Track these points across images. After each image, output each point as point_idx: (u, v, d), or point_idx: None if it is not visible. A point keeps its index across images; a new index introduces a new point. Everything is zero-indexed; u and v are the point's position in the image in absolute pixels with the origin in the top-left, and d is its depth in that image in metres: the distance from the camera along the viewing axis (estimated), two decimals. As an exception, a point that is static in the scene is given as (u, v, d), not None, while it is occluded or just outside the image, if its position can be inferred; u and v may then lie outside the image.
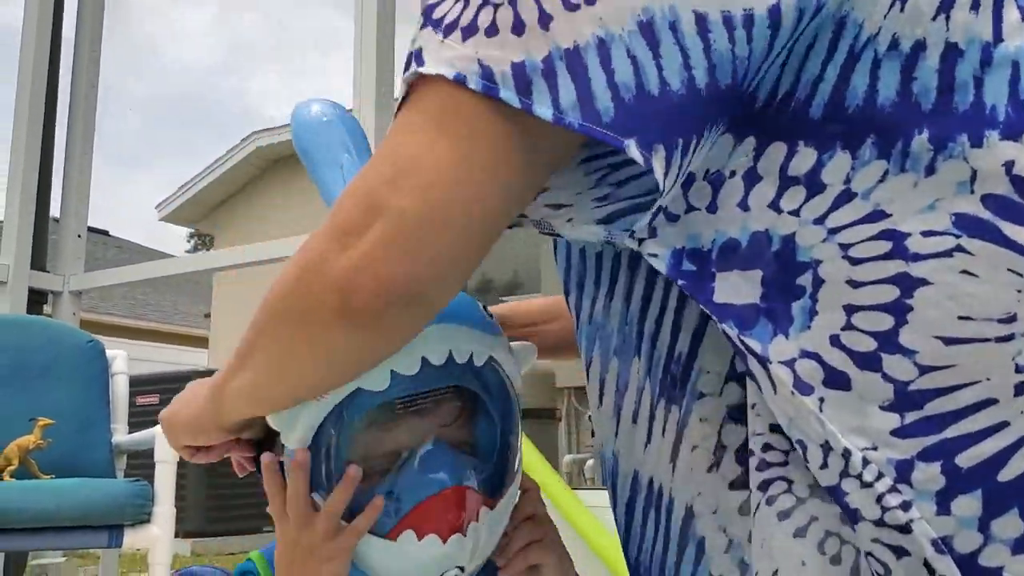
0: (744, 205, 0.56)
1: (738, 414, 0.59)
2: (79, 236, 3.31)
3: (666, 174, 0.53)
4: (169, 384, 6.37)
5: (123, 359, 2.71)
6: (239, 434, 0.80)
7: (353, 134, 0.86)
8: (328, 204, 0.81)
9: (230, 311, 8.38)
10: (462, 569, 0.76)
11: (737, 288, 0.56)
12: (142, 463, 2.60)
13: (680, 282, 0.57)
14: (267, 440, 0.82)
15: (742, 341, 0.55)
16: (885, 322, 0.54)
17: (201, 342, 12.09)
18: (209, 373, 4.73)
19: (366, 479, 0.75)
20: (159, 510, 2.15)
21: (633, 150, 0.51)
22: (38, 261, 3.21)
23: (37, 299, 3.20)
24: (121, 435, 2.58)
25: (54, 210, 3.40)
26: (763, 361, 0.55)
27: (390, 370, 0.71)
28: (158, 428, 2.27)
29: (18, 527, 2.03)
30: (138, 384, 4.34)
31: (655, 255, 0.57)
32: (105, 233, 16.50)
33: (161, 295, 15.47)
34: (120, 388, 2.65)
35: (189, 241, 25.11)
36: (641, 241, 0.57)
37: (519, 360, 0.82)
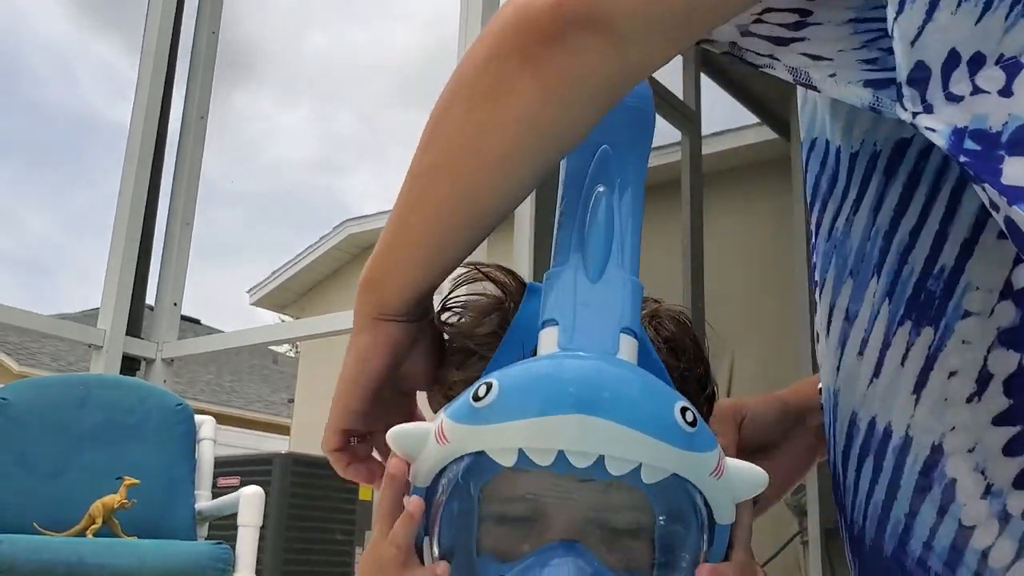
0: None
1: (1010, 338, 0.51)
2: (174, 304, 3.34)
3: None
4: (251, 466, 6.35)
5: (211, 424, 2.69)
6: (404, 328, 0.70)
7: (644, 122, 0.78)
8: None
9: (314, 397, 8.41)
10: None
11: None
12: (223, 534, 2.55)
13: (962, 159, 0.50)
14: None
15: None
16: None
17: (283, 430, 12.16)
18: (288, 457, 4.72)
19: (506, 538, 0.65)
20: (240, 575, 2.07)
21: None
22: (133, 329, 3.25)
23: (131, 366, 3.23)
24: (204, 501, 2.53)
25: (149, 298, 3.46)
26: None
27: (519, 449, 0.60)
28: (242, 491, 2.22)
29: (97, 586, 1.98)
30: (220, 466, 4.33)
31: (932, 129, 0.51)
32: (197, 322, 16.93)
33: (246, 384, 15.71)
34: (206, 453, 2.62)
35: (276, 333, 25.54)
36: (915, 115, 0.51)
37: (736, 488, 0.63)
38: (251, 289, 8.83)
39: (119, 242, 3.22)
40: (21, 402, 2.46)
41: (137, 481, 2.29)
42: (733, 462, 0.62)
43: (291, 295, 8.62)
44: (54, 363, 12.53)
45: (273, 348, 22.95)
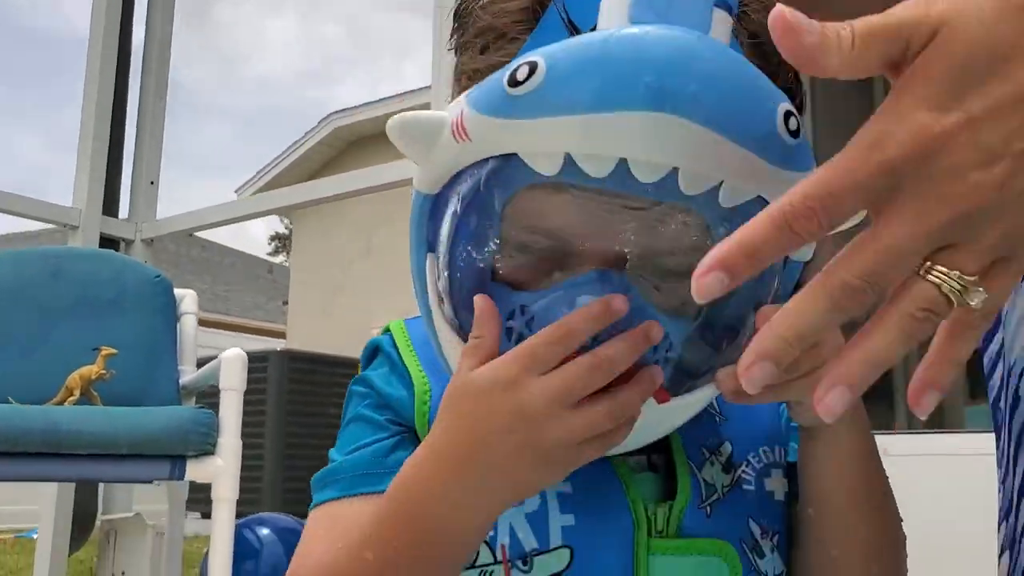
0: None
1: None
2: (151, 183, 3.20)
3: None
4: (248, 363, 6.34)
5: (192, 298, 2.58)
6: None
7: None
8: None
9: (305, 302, 8.36)
10: None
11: None
12: (208, 403, 2.47)
13: None
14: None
15: None
16: None
17: (279, 335, 12.17)
18: (284, 354, 4.68)
19: (524, 272, 0.54)
20: (224, 441, 1.98)
21: None
22: (110, 208, 3.12)
23: (110, 247, 3.10)
24: (189, 376, 2.43)
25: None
26: None
27: (565, 153, 0.47)
28: (223, 354, 2.12)
29: (72, 452, 1.88)
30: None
31: None
32: (188, 233, 16.83)
33: (242, 293, 15.67)
34: (188, 327, 2.52)
35: (270, 244, 25.50)
36: None
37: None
38: (238, 189, 8.67)
39: (89, 115, 3.06)
40: (-11, 276, 2.35)
41: (115, 351, 2.19)
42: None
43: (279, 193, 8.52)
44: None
45: (268, 259, 22.92)
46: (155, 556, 2.90)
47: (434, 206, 0.55)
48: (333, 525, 0.61)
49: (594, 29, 0.50)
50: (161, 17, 3.34)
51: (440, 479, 0.52)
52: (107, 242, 3.10)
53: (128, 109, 3.28)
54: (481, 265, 0.54)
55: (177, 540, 2.55)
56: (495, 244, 0.54)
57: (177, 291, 2.54)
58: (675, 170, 0.46)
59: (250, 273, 17.07)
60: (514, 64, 0.48)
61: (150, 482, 2.04)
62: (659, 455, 0.62)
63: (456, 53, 0.61)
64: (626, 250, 0.52)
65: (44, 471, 1.96)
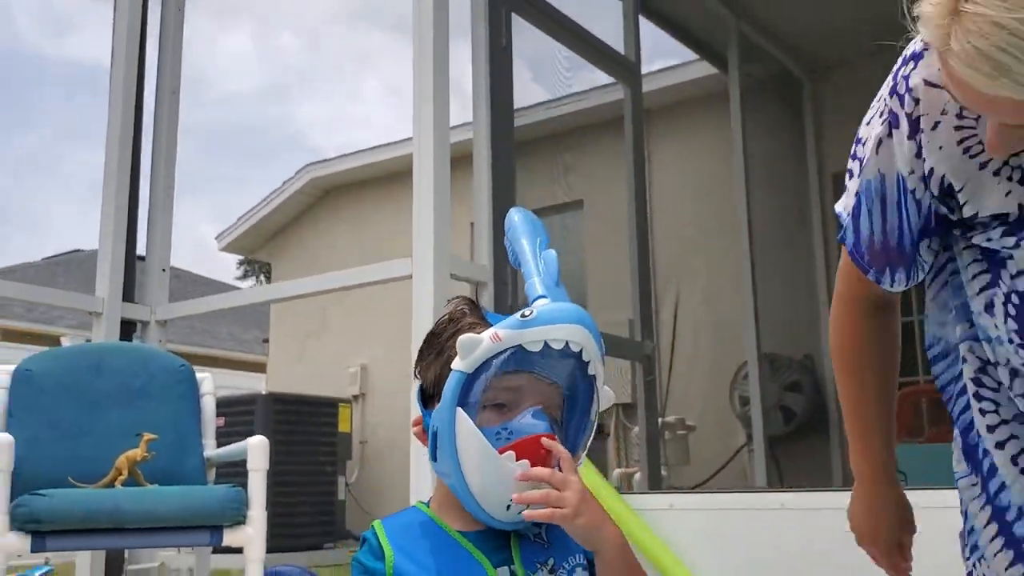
0: None
1: None
2: (163, 270, 3.64)
3: None
4: (236, 407, 6.73)
5: (210, 381, 3.02)
6: None
7: (539, 228, 1.31)
8: (518, 266, 1.27)
9: (286, 337, 8.73)
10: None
11: None
12: (227, 473, 2.90)
13: None
14: None
15: None
16: None
17: (257, 367, 12.50)
18: (269, 397, 5.23)
19: (492, 417, 1.12)
20: (253, 513, 2.43)
21: None
22: (128, 294, 3.55)
23: (127, 328, 3.53)
24: (211, 449, 2.87)
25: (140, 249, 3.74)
26: None
27: (544, 340, 1.11)
28: (249, 440, 2.56)
29: (132, 527, 2.32)
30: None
31: None
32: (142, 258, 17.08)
33: (216, 324, 15.93)
34: (208, 406, 2.95)
35: (239, 268, 25.68)
36: None
37: (603, 397, 1.20)
38: (219, 235, 9.08)
39: (109, 215, 3.50)
40: (43, 372, 2.77)
41: (156, 436, 2.62)
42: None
43: (259, 239, 8.88)
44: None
45: (241, 286, 23.11)
46: (177, 600, 3.34)
47: (467, 380, 1.12)
48: None
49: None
50: (168, 115, 3.77)
51: None
52: (125, 324, 3.53)
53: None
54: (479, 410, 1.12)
55: (203, 588, 2.98)
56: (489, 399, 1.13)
57: (197, 375, 2.99)
58: (580, 347, 1.12)
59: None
60: (521, 311, 1.12)
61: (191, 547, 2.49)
62: (508, 566, 1.14)
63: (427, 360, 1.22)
64: (541, 404, 1.14)
65: (109, 543, 2.41)
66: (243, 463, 2.62)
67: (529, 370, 1.13)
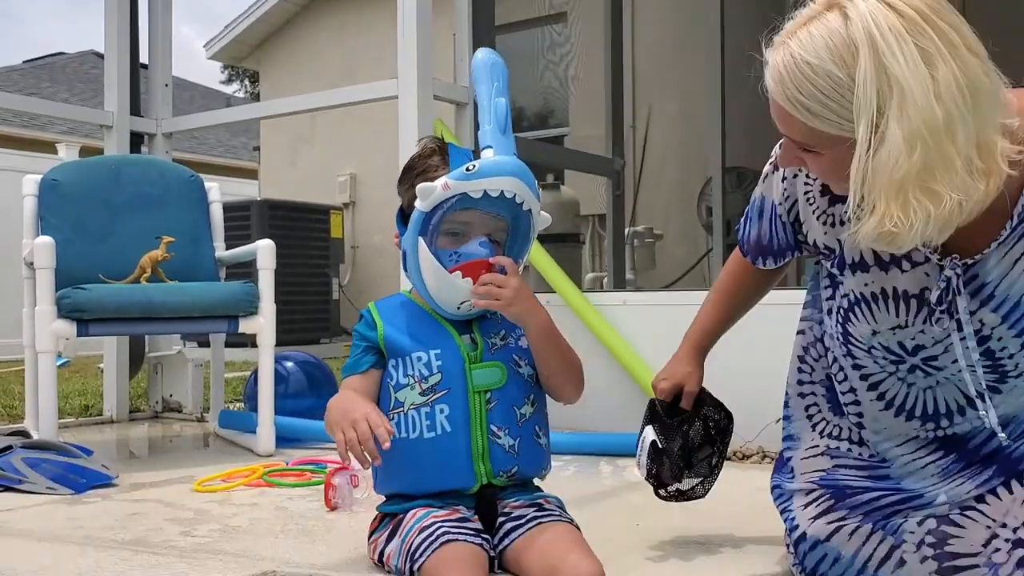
0: None
1: None
2: (166, 85, 3.88)
3: None
4: (232, 212, 7.05)
5: (217, 190, 3.35)
6: None
7: (497, 72, 1.54)
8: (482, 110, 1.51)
9: (277, 144, 8.97)
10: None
11: None
12: (233, 274, 3.27)
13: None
14: None
15: None
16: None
17: (247, 173, 12.75)
18: (264, 203, 5.74)
19: (449, 242, 1.47)
20: (264, 305, 2.82)
21: None
22: (134, 108, 3.81)
23: (135, 141, 3.82)
24: (221, 251, 3.24)
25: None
26: None
27: (484, 189, 1.43)
28: (258, 243, 2.92)
29: (161, 317, 2.72)
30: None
31: None
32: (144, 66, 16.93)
33: (204, 131, 16.00)
34: (216, 213, 3.30)
35: (223, 72, 25.35)
36: None
37: (540, 221, 1.54)
38: (207, 44, 9.12)
39: (112, 22, 3.70)
40: (68, 181, 3.09)
41: (174, 239, 2.98)
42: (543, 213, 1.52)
43: (245, 48, 8.95)
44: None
45: (225, 91, 22.92)
46: (195, 383, 3.80)
47: (426, 216, 1.45)
48: (344, 385, 1.52)
49: (476, 155, 1.48)
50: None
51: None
52: (133, 136, 3.81)
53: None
54: (439, 235, 1.47)
55: (219, 370, 3.43)
56: (445, 228, 1.47)
57: (206, 184, 3.31)
58: (514, 195, 1.45)
59: (209, 107, 17.31)
60: (466, 165, 1.43)
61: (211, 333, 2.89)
62: (469, 334, 1.53)
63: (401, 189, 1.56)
64: (487, 233, 1.48)
65: (143, 330, 2.80)
66: (250, 264, 2.99)
67: (475, 207, 1.45)
